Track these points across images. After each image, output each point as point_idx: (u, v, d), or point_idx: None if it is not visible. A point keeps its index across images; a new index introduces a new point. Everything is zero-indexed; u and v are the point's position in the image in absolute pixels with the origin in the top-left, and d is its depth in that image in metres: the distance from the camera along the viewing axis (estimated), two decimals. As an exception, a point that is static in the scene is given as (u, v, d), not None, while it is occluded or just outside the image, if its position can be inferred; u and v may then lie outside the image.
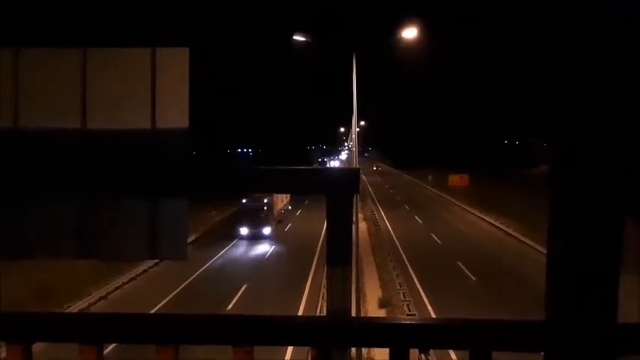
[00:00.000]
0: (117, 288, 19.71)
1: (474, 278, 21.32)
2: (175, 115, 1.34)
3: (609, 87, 1.11)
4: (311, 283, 20.51)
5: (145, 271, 21.74)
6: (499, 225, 33.45)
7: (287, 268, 22.85)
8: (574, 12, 1.12)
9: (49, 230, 1.35)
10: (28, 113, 1.34)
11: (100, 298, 18.50)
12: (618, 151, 1.12)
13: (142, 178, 1.35)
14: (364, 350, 12.57)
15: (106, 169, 1.34)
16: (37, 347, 1.38)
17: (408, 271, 22.44)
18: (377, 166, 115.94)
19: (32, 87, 1.34)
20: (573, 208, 1.15)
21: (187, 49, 1.34)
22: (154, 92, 1.34)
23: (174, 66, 1.34)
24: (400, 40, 17.28)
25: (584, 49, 1.12)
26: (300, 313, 17.32)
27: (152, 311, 16.28)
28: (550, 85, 1.17)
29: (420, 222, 35.96)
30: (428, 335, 1.32)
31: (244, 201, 31.20)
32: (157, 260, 19.35)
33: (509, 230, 31.35)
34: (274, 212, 32.65)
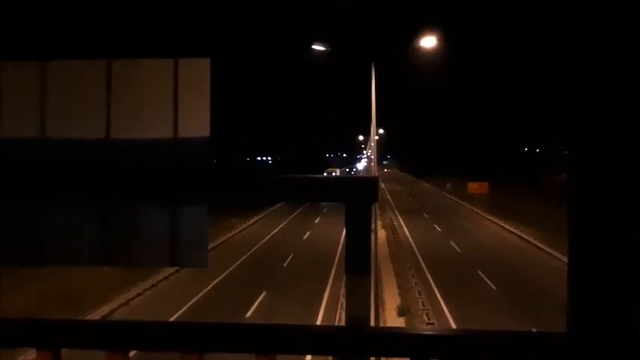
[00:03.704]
0: (138, 294, 19.91)
1: (494, 287, 21.04)
2: (197, 124, 1.36)
3: (627, 95, 1.10)
4: (332, 281, 20.49)
5: (166, 278, 21.93)
6: (519, 233, 33.02)
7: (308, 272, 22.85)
8: (592, 20, 1.12)
9: (72, 237, 1.38)
10: (54, 123, 1.37)
11: (121, 305, 18.70)
12: (633, 166, 1.10)
13: (163, 186, 1.37)
14: None
15: (128, 177, 1.36)
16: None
17: (427, 280, 22.24)
18: (388, 169, 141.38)
19: (58, 98, 1.37)
20: (593, 218, 1.13)
21: (209, 60, 1.37)
22: (176, 102, 1.36)
23: (196, 76, 1.36)
24: (419, 49, 17.27)
25: (598, 57, 1.11)
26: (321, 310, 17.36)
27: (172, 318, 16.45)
28: (567, 93, 1.16)
29: (439, 230, 35.66)
30: (448, 346, 1.31)
31: None
32: (176, 268, 19.55)
33: (529, 238, 30.92)
34: None
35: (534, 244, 29.47)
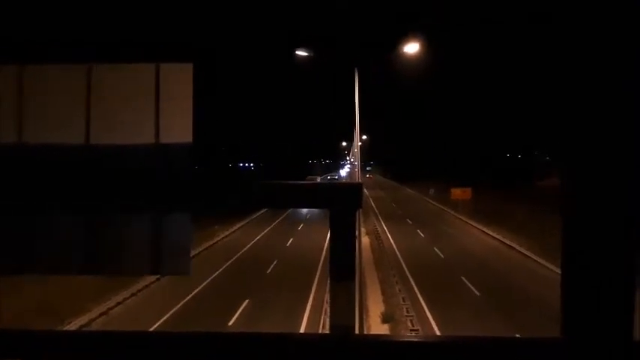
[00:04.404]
0: (118, 303, 19.65)
1: (477, 293, 21.18)
2: (179, 129, 1.34)
3: (623, 100, 1.11)
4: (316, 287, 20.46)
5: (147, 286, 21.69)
6: (502, 239, 33.33)
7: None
8: (591, 21, 1.12)
9: (52, 245, 1.35)
10: (32, 128, 1.34)
11: (101, 314, 18.44)
12: (632, 165, 1.11)
13: (145, 193, 1.35)
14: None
15: (109, 183, 1.34)
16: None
17: (411, 286, 22.31)
18: (370, 175, 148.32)
19: (37, 102, 1.34)
20: (588, 223, 1.13)
21: (191, 65, 1.35)
22: (157, 107, 1.34)
23: (179, 81, 1.35)
24: (402, 55, 17.42)
25: (597, 58, 1.12)
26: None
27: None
28: (561, 98, 1.16)
29: (423, 236, 35.85)
30: (436, 353, 1.30)
31: None
32: (157, 276, 19.37)
33: (513, 244, 31.21)
34: None
35: (518, 250, 29.75)
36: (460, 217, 44.56)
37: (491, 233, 35.67)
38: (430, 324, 17.44)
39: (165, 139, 1.34)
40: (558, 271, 1.19)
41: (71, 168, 1.34)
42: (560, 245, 1.17)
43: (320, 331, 15.46)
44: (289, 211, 45.34)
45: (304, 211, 45.72)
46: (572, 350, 1.16)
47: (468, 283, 22.66)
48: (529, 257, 27.59)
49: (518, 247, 30.25)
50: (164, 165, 1.34)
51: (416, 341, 1.34)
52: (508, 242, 32.04)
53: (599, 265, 1.13)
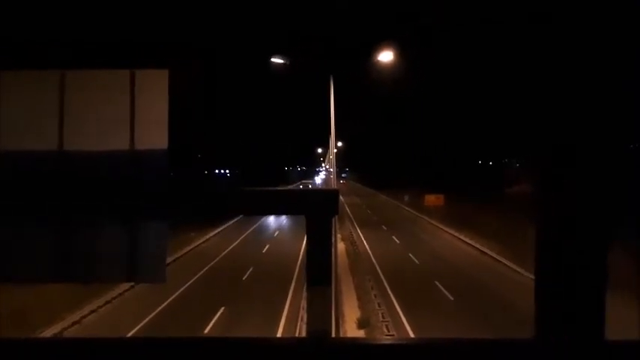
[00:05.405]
0: (92, 311, 19.26)
1: (451, 298, 21.38)
2: (154, 136, 1.34)
3: (599, 111, 1.14)
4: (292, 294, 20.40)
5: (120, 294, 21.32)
6: (473, 243, 33.73)
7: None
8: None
9: (25, 253, 1.33)
10: (5, 135, 1.32)
11: (74, 323, 18.05)
12: (605, 171, 1.14)
13: (120, 200, 1.34)
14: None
15: (83, 191, 1.33)
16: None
17: (387, 291, 22.41)
18: (343, 181, 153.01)
19: (10, 109, 1.33)
20: (560, 226, 1.16)
21: (167, 71, 1.35)
22: (133, 114, 1.34)
23: (154, 88, 1.34)
24: (377, 63, 17.59)
25: (572, 75, 1.15)
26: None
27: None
28: (539, 106, 1.19)
29: (398, 242, 36.05)
30: (412, 355, 1.31)
31: None
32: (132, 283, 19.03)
33: (485, 249, 31.60)
34: None
35: (490, 255, 30.13)
36: (434, 222, 44.97)
37: (463, 238, 36.06)
38: (405, 329, 17.53)
39: (140, 145, 1.34)
40: (527, 274, 1.22)
41: (44, 175, 1.33)
42: (529, 249, 1.20)
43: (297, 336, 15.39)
44: (265, 217, 45.13)
45: (280, 217, 45.58)
46: (545, 350, 1.19)
47: (442, 287, 22.86)
48: (500, 261, 27.98)
49: (489, 252, 30.62)
50: (139, 171, 1.33)
51: (392, 344, 1.36)
52: (480, 247, 32.42)
53: (571, 268, 1.16)
